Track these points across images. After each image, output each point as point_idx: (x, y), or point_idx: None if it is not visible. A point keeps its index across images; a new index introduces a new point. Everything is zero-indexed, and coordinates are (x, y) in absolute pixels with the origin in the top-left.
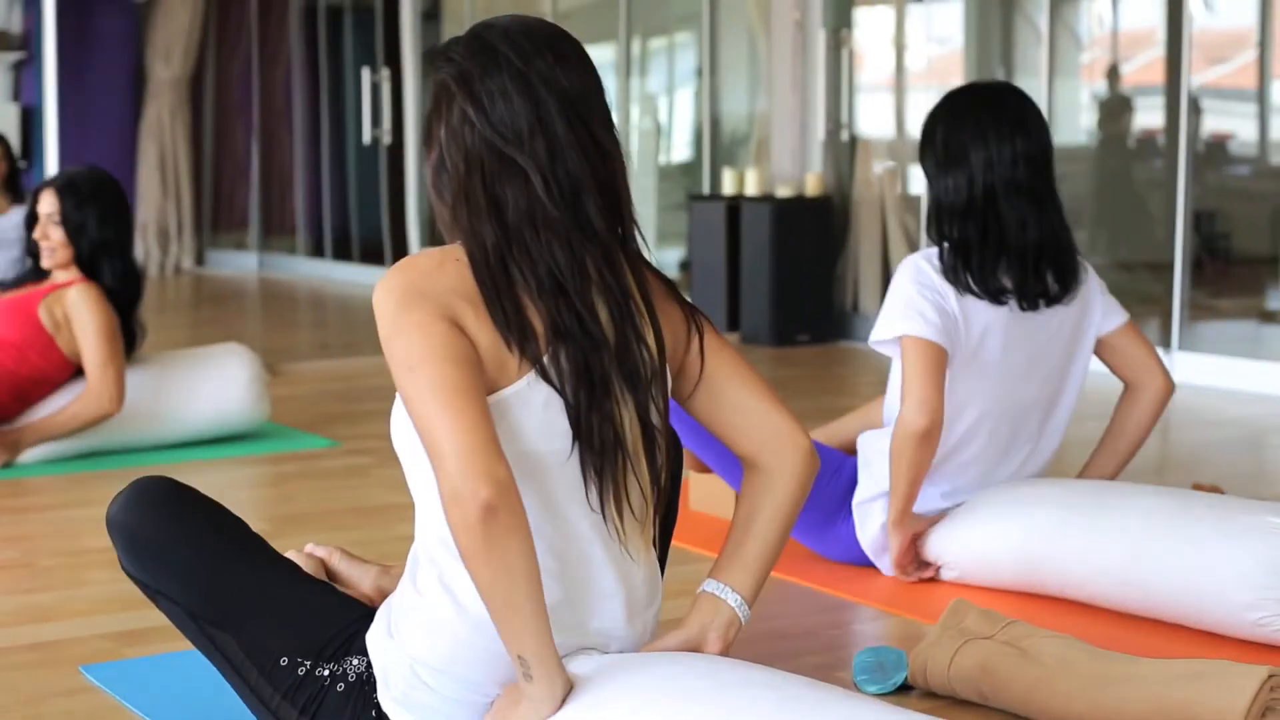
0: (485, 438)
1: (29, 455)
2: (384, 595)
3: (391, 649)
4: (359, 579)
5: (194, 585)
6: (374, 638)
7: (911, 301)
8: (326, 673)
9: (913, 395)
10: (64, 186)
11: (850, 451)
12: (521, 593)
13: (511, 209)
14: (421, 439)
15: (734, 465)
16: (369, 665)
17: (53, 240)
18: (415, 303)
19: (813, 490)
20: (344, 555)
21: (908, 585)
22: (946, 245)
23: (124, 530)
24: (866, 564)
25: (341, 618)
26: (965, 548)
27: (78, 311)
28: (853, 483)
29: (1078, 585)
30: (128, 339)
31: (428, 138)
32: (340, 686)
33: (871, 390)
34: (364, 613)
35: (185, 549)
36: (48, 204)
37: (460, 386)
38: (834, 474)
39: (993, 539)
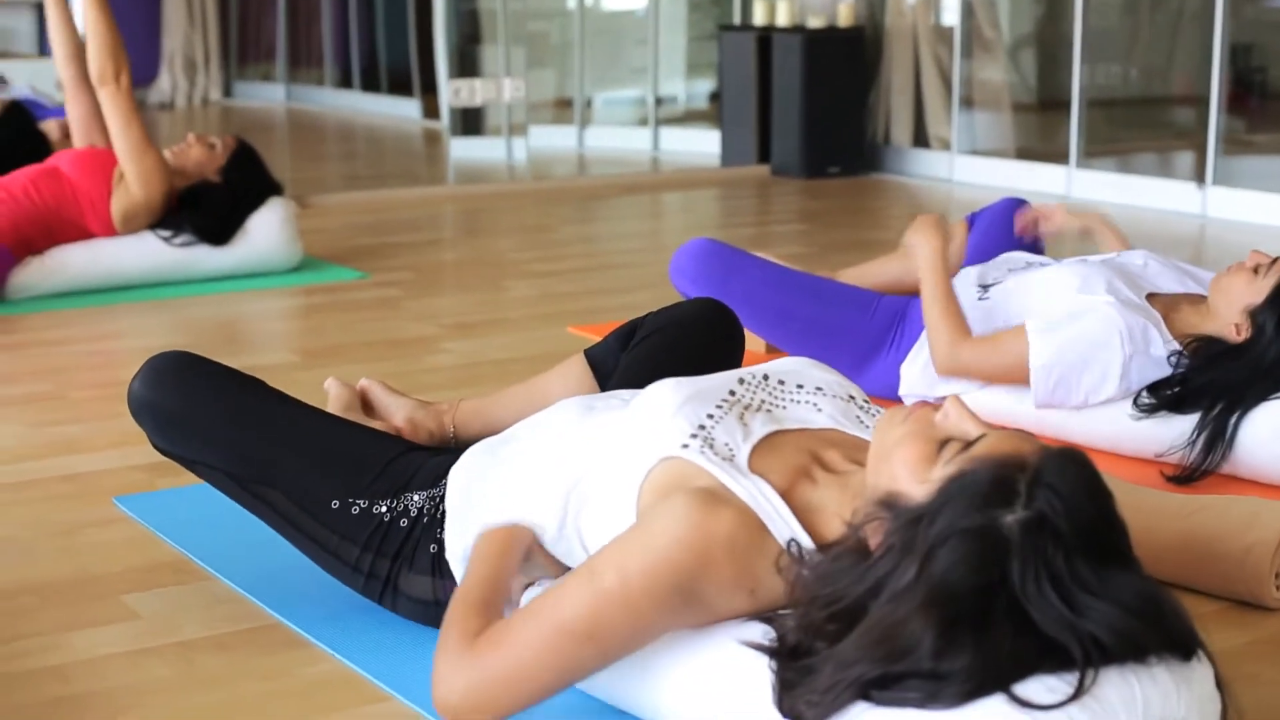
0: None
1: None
2: (415, 428)
3: (467, 510)
4: (394, 411)
5: (228, 448)
6: (455, 485)
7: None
8: (385, 509)
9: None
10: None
11: (883, 291)
12: None
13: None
14: (513, 652)
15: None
16: (430, 498)
17: (195, 154)
18: (684, 599)
19: (850, 327)
20: (383, 387)
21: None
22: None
23: (149, 408)
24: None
25: (381, 455)
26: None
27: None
28: (888, 320)
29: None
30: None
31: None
32: (403, 522)
33: (901, 224)
34: (403, 448)
35: (212, 415)
36: (224, 141)
37: (582, 674)
38: (870, 313)
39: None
